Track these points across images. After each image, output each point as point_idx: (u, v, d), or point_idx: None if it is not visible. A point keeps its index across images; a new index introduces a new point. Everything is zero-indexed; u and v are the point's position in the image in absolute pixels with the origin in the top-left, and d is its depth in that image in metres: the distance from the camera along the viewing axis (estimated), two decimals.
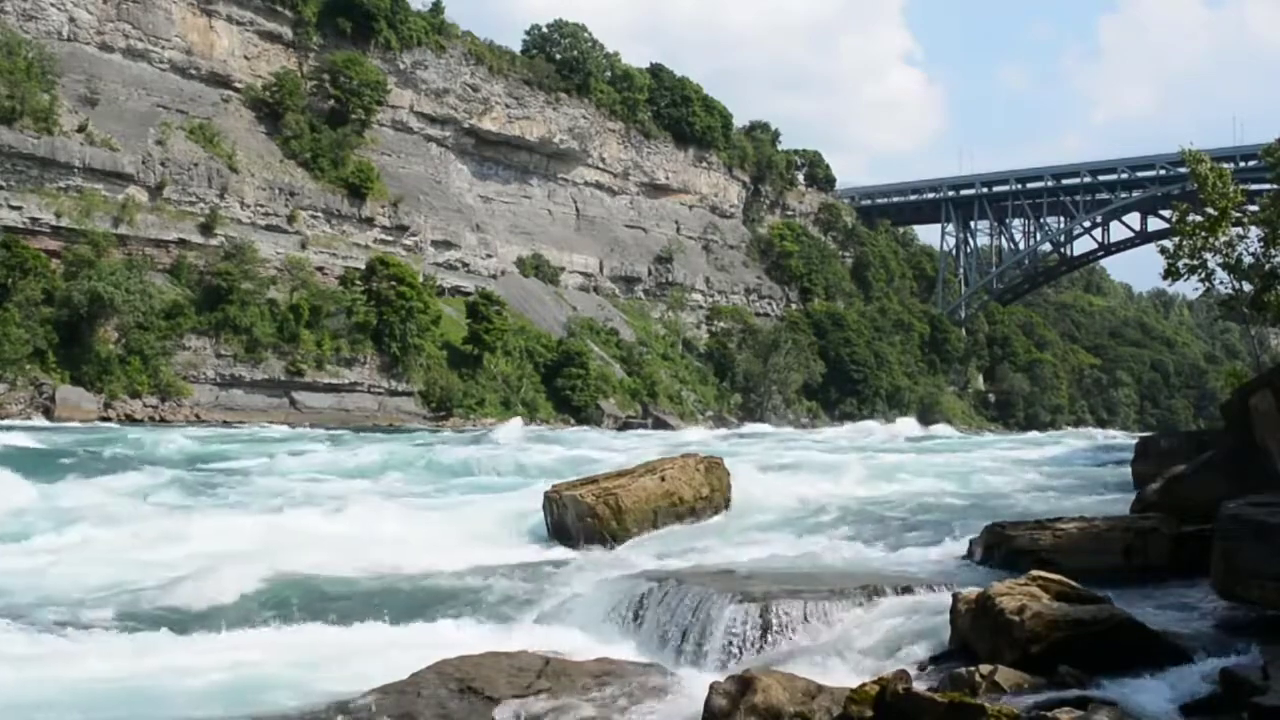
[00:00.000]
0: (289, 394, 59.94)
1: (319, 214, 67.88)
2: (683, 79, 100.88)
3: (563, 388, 72.47)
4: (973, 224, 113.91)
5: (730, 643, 8.86)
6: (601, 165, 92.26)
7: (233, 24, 68.56)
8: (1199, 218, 23.51)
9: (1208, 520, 9.38)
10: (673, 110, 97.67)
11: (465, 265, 78.30)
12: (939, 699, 5.69)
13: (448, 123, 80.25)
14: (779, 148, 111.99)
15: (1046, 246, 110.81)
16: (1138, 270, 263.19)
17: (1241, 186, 24.29)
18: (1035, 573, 8.06)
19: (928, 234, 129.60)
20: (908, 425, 65.65)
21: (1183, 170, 33.93)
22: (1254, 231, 23.65)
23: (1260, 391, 10.77)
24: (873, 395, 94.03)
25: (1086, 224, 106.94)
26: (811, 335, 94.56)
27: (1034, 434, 70.61)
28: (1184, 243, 23.54)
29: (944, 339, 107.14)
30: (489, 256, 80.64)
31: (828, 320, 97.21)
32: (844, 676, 7.27)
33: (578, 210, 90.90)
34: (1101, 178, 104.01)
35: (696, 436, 47.68)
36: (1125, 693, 6.41)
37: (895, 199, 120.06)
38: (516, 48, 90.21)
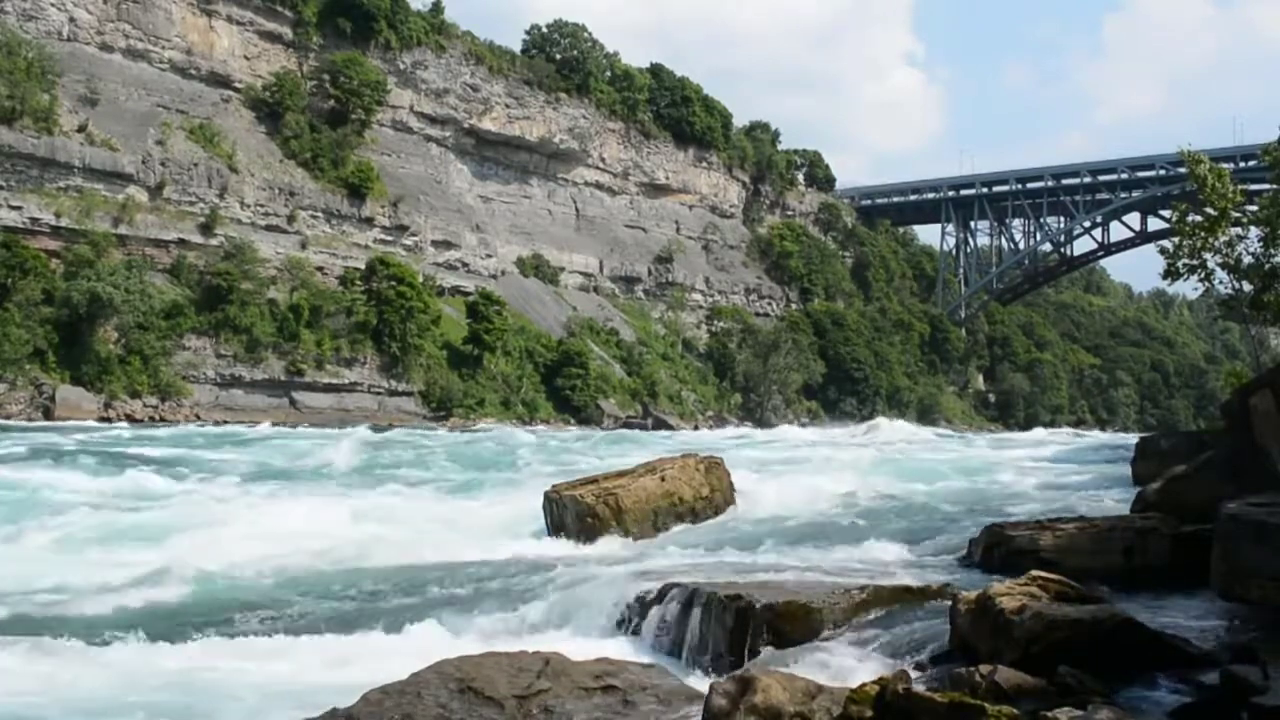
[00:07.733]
0: (289, 394, 59.97)
1: (319, 214, 67.90)
2: (683, 79, 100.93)
3: (563, 388, 72.48)
4: (973, 224, 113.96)
5: (730, 642, 8.86)
6: (601, 165, 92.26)
7: (233, 24, 68.59)
8: (1199, 218, 23.49)
9: (1208, 520, 9.37)
10: (673, 110, 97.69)
11: (465, 265, 78.30)
12: (939, 699, 5.68)
13: (448, 123, 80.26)
14: (779, 148, 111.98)
15: (1046, 246, 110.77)
16: (1138, 270, 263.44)
17: (1241, 186, 24.27)
18: (1035, 573, 8.04)
19: (928, 234, 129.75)
20: (902, 429, 56.44)
21: (1183, 170, 33.87)
22: (1254, 231, 23.64)
23: (1260, 391, 10.75)
24: (873, 395, 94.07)
25: (1086, 224, 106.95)
26: (811, 335, 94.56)
27: (1029, 433, 70.32)
28: (1184, 243, 23.51)
29: (944, 339, 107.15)
30: (489, 256, 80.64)
31: (828, 320, 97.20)
32: (844, 676, 7.26)
33: (578, 210, 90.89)
34: (1101, 178, 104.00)
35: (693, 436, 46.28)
36: (1125, 693, 6.41)
37: (895, 199, 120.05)
38: (516, 48, 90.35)
